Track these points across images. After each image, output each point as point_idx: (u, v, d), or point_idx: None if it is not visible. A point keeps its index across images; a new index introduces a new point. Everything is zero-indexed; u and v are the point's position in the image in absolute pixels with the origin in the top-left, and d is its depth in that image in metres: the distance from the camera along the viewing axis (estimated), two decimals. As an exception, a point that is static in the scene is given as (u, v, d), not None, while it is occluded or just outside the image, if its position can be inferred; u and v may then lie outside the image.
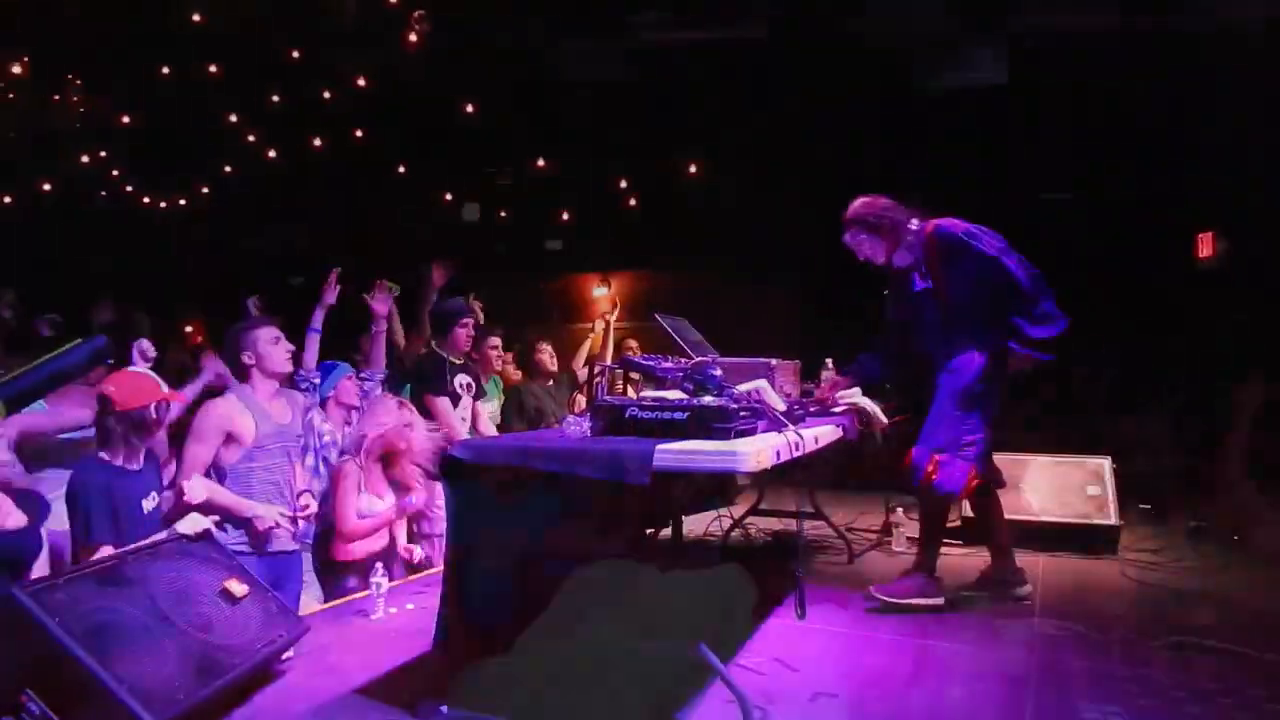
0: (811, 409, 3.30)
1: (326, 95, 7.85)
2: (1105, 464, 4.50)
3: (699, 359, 2.96)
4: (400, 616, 3.23)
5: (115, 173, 9.60)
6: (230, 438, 3.29)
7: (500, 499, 2.31)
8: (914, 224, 3.43)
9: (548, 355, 5.53)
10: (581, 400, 4.84)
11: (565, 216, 8.86)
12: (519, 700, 2.30)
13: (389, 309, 4.61)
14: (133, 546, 2.60)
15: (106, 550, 2.68)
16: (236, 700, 2.36)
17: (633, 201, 8.46)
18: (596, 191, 8.37)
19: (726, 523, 4.58)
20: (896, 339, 3.68)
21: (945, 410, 3.32)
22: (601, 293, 9.99)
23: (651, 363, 2.82)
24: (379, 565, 3.31)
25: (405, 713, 2.31)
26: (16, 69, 7.18)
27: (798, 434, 2.44)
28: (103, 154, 9.22)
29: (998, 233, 3.34)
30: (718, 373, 2.42)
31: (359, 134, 8.27)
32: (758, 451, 2.06)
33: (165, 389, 2.88)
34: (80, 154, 8.99)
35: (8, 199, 9.84)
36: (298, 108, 7.96)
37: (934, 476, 3.27)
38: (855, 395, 3.58)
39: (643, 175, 8.23)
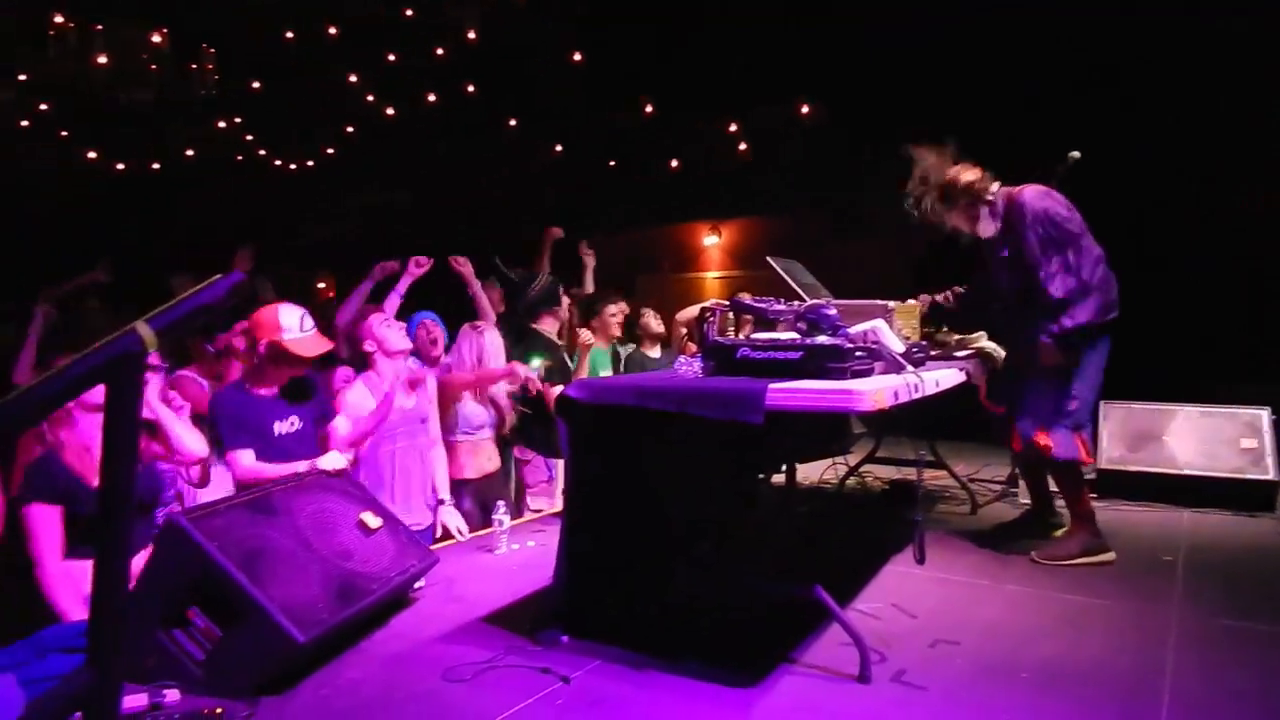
0: (934, 352, 3.18)
1: (440, 51, 8.01)
2: (1264, 415, 4.15)
3: (813, 301, 2.90)
4: (522, 553, 3.36)
5: (248, 137, 10.15)
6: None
7: (615, 438, 2.34)
8: (994, 191, 3.26)
9: (653, 319, 5.48)
10: (692, 347, 4.84)
11: (674, 164, 8.76)
12: (635, 631, 2.37)
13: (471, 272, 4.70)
14: (278, 474, 2.80)
15: (245, 453, 2.91)
16: (376, 623, 2.53)
17: (742, 146, 8.28)
18: (706, 138, 8.21)
19: (842, 470, 4.53)
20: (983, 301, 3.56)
21: (1040, 381, 3.20)
22: (713, 241, 9.90)
23: (763, 304, 2.78)
24: (501, 503, 3.44)
25: (527, 640, 2.42)
26: (156, 38, 7.62)
27: (917, 376, 2.36)
28: (237, 119, 9.75)
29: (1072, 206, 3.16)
30: (832, 312, 2.36)
31: (470, 89, 8.42)
32: (875, 392, 2.00)
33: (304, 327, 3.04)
34: (216, 120, 9.53)
35: (155, 165, 10.59)
36: (412, 65, 8.16)
37: (1048, 448, 3.17)
38: (980, 339, 3.43)
39: (753, 120, 8.02)
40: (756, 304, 2.71)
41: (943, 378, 2.69)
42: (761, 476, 3.53)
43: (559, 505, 4.17)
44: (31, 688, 1.96)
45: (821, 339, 2.26)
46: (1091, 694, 2.11)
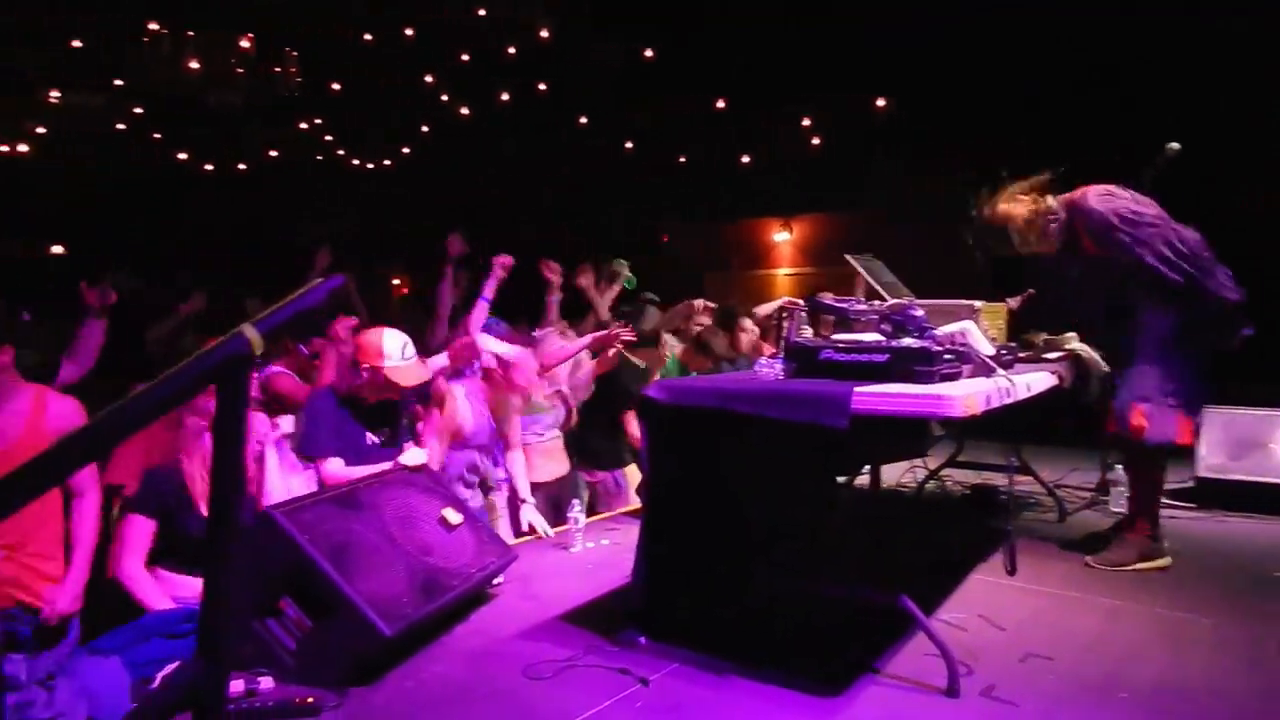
0: (1023, 354, 3.07)
1: (512, 50, 8.10)
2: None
3: (896, 300, 2.82)
4: (596, 551, 3.37)
5: (328, 137, 10.45)
6: (456, 434, 3.48)
7: (695, 440, 2.32)
8: (1054, 205, 3.15)
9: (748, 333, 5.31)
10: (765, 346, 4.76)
11: (745, 159, 8.67)
12: (713, 634, 2.35)
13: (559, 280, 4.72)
14: (364, 474, 2.86)
15: (335, 461, 2.99)
16: (457, 618, 2.56)
17: (815, 141, 8.14)
18: (778, 132, 8.10)
19: (920, 473, 4.42)
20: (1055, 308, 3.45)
21: (1142, 362, 3.07)
22: (784, 237, 9.78)
23: (845, 304, 2.72)
24: (575, 502, 3.46)
25: (605, 639, 2.42)
26: (244, 43, 7.89)
27: (1009, 380, 2.27)
28: (317, 120, 10.05)
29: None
30: (919, 313, 2.29)
31: (542, 87, 8.49)
32: (967, 396, 1.94)
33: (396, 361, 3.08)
34: (298, 121, 9.84)
35: (241, 165, 10.99)
36: (485, 64, 8.27)
37: (1142, 427, 3.02)
38: (1072, 340, 3.30)
39: (828, 114, 7.88)
40: (838, 304, 2.65)
41: (1034, 381, 2.59)
42: (841, 479, 3.46)
43: (633, 503, 4.18)
44: (136, 670, 2.05)
45: (908, 341, 2.20)
46: (1199, 719, 2.00)
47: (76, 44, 7.66)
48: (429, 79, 8.57)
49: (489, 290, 4.09)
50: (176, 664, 2.14)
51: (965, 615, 2.62)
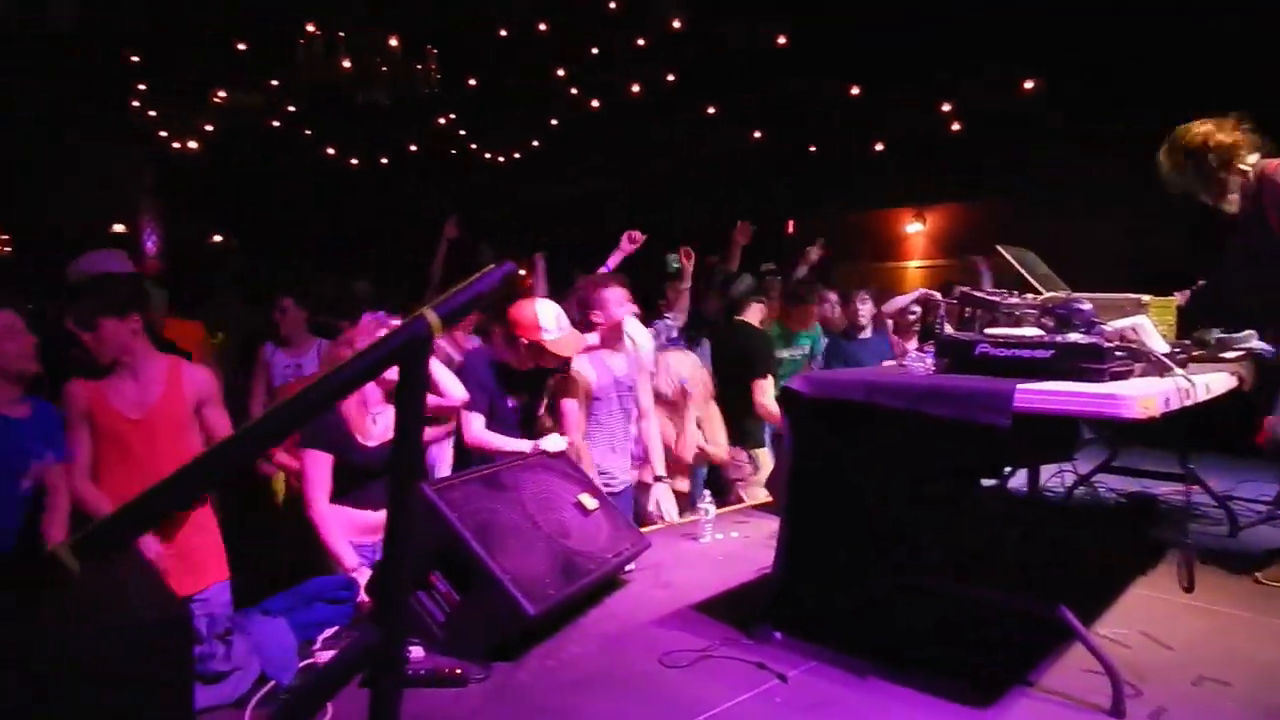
0: (1196, 353, 2.84)
1: (641, 42, 8.13)
2: None
3: (1054, 294, 2.66)
4: (726, 543, 3.35)
5: (462, 132, 10.81)
6: (585, 393, 3.56)
7: (840, 434, 2.27)
8: (1251, 162, 2.80)
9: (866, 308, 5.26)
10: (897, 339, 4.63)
11: (879, 147, 8.38)
12: (853, 634, 2.29)
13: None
14: (500, 447, 2.98)
15: (478, 417, 3.15)
16: (592, 602, 2.61)
17: (955, 127, 7.77)
18: (915, 118, 7.78)
19: (1068, 478, 4.16)
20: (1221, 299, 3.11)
21: None
22: (916, 228, 9.44)
23: (999, 296, 2.58)
24: (706, 493, 3.46)
25: (739, 632, 2.40)
26: (393, 42, 8.26)
27: (1188, 380, 2.10)
28: (452, 115, 10.41)
29: None
30: (1087, 306, 2.15)
31: (670, 78, 8.49)
32: (1144, 397, 1.80)
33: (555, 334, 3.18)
34: (436, 117, 10.22)
35: (384, 160, 11.53)
36: (614, 57, 8.35)
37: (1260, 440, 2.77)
38: (1250, 339, 3.02)
39: (970, 97, 7.50)
40: (991, 296, 2.53)
41: (1213, 382, 2.39)
42: (991, 481, 3.31)
43: (763, 496, 4.14)
44: (300, 631, 2.19)
45: (1074, 336, 2.07)
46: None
47: (241, 46, 8.22)
48: (560, 72, 8.72)
49: (613, 261, 4.32)
50: (336, 628, 2.29)
51: (1127, 631, 2.45)
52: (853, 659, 2.20)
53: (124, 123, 10.30)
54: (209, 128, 10.56)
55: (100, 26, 8.03)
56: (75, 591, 1.17)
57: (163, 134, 10.72)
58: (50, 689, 1.15)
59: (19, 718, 1.11)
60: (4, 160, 10.08)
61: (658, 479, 3.62)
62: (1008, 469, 3.36)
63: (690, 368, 4.02)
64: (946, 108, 7.67)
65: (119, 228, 11.97)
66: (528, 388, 3.30)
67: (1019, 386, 1.88)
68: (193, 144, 10.89)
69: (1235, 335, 3.16)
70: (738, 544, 3.34)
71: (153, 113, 10.17)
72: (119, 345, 2.82)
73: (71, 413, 2.79)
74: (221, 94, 9.90)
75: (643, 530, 3.38)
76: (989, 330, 2.43)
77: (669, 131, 9.23)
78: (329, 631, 2.23)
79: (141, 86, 9.59)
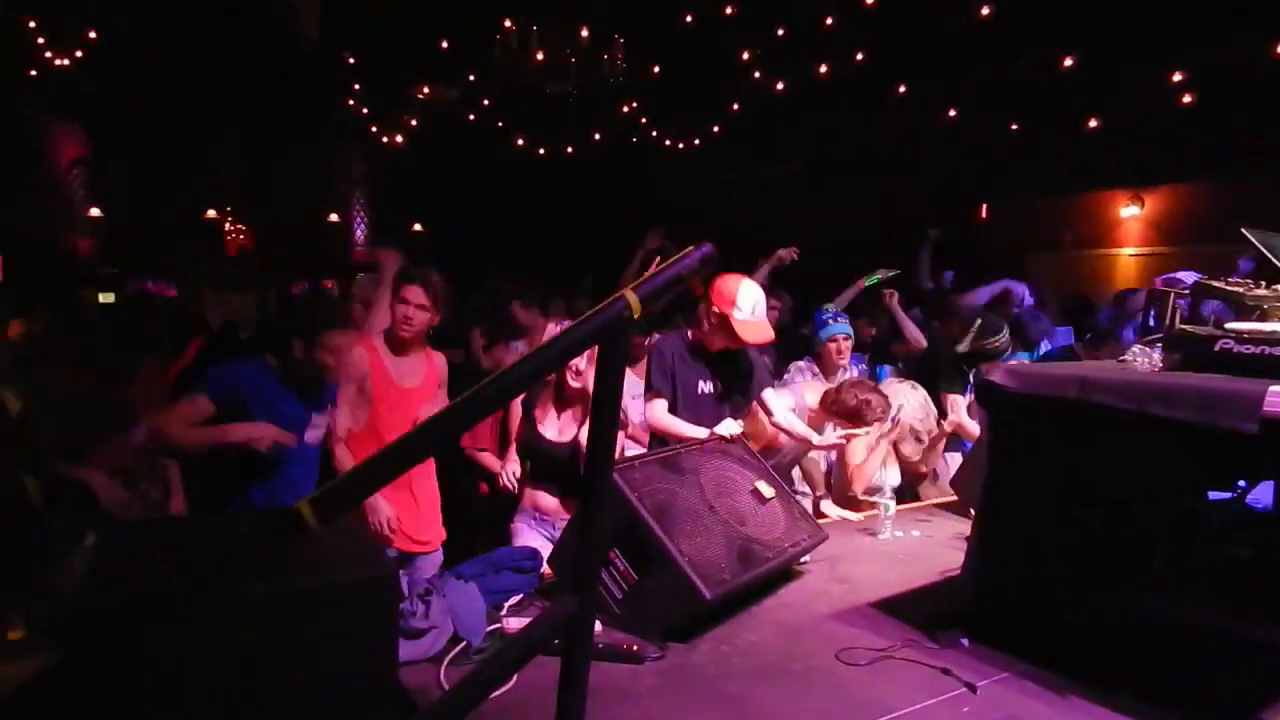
0: None
1: (828, 21, 7.88)
2: None
3: (1313, 284, 2.33)
4: (905, 541, 3.21)
5: (644, 120, 10.97)
6: None
7: (1045, 433, 2.10)
8: None
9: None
10: None
11: (1093, 124, 7.66)
12: (1048, 648, 2.12)
13: None
14: (679, 432, 3.02)
15: (659, 402, 3.23)
16: (766, 591, 2.58)
17: (1187, 99, 6.95)
18: (1140, 90, 7.03)
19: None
20: None
21: None
22: (1132, 212, 8.57)
23: (1240, 286, 2.29)
24: (887, 488, 3.33)
25: (922, 634, 2.29)
26: (583, 33, 8.51)
27: None
28: (634, 104, 10.58)
29: None
30: (1361, 300, 1.86)
31: (859, 57, 8.18)
32: None
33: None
34: (620, 106, 10.43)
35: (569, 149, 11.93)
36: (801, 38, 8.15)
37: None
38: None
39: (1206, 64, 6.68)
40: (1232, 286, 2.24)
41: None
42: (1225, 495, 2.97)
43: (948, 495, 3.93)
44: (490, 597, 2.31)
45: (1344, 334, 1.80)
46: None
47: (444, 44, 8.76)
48: (744, 55, 8.63)
49: (761, 275, 4.32)
50: (520, 595, 2.40)
51: (1389, 675, 2.12)
52: (1052, 675, 2.04)
53: (339, 120, 11.29)
54: (413, 123, 11.35)
55: (334, 39, 8.85)
56: (303, 547, 1.29)
57: (373, 129, 11.65)
58: (276, 638, 1.27)
59: (244, 665, 1.23)
60: (251, 160, 11.35)
61: (820, 497, 3.57)
62: (1244, 482, 2.99)
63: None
64: (1178, 78, 6.85)
65: (334, 218, 13.17)
66: (722, 376, 3.32)
67: (1273, 388, 1.66)
68: (399, 138, 11.75)
69: None
70: (919, 542, 3.19)
71: (365, 110, 11.07)
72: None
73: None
74: (425, 90, 10.61)
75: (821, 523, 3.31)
76: (1230, 325, 2.17)
77: (857, 113, 8.91)
78: (514, 599, 2.34)
79: (355, 86, 10.46)
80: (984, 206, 9.82)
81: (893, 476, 3.79)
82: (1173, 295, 2.43)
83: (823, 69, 8.25)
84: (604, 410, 1.18)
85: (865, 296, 5.37)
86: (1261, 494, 2.99)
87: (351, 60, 9.77)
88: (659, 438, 3.34)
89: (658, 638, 2.19)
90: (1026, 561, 2.18)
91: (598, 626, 2.23)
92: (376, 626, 1.39)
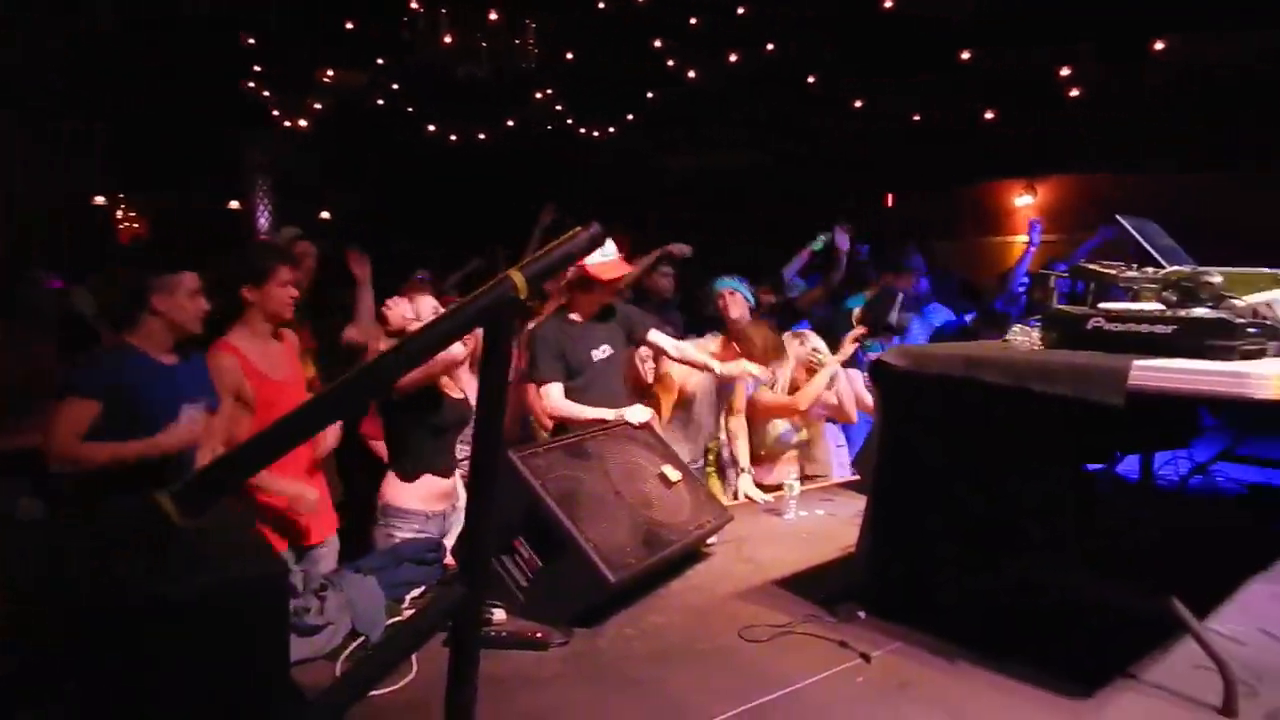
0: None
1: (740, 11, 7.95)
2: None
3: (1177, 267, 2.47)
4: (810, 520, 3.29)
5: (559, 107, 10.86)
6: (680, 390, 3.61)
7: (933, 411, 2.18)
8: None
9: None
10: None
11: (989, 115, 7.97)
12: (941, 618, 2.21)
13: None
14: (582, 416, 3.00)
15: (556, 387, 3.14)
16: (673, 573, 2.60)
17: (1074, 92, 7.30)
18: (1027, 83, 7.35)
19: (1183, 467, 3.91)
20: None
21: None
22: (1026, 201, 8.98)
23: (1114, 269, 2.42)
24: (793, 469, 3.40)
25: (822, 609, 2.35)
26: (493, 16, 8.36)
27: (1332, 361, 1.92)
28: (549, 90, 10.46)
29: None
30: (1217, 279, 1.99)
31: (770, 47, 8.28)
32: (1278, 376, 1.65)
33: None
34: (534, 91, 10.30)
35: (481, 135, 11.73)
36: (716, 27, 8.20)
37: None
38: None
39: (1092, 60, 7.03)
40: (1107, 268, 2.36)
41: (1361, 365, 2.17)
42: (1096, 466, 3.14)
43: (848, 474, 4.05)
44: (390, 590, 2.26)
45: (1200, 311, 1.91)
46: None
47: (349, 26, 8.47)
48: (657, 44, 8.62)
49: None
50: (423, 588, 2.35)
51: (1244, 628, 2.28)
52: (943, 643, 2.13)
53: (239, 103, 10.80)
54: (318, 107, 10.95)
55: (224, 12, 8.43)
56: (179, 543, 1.22)
57: (274, 113, 11.19)
58: (152, 642, 1.21)
59: (120, 671, 1.16)
60: (139, 144, 10.74)
61: (740, 471, 3.61)
62: (1119, 454, 3.16)
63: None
64: (1066, 72, 7.19)
65: (234, 205, 12.61)
66: (609, 338, 3.32)
67: (1136, 363, 1.75)
68: (302, 122, 11.32)
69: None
70: (823, 521, 3.28)
71: (266, 94, 10.62)
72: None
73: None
74: (330, 73, 10.25)
75: (727, 505, 3.36)
76: (1103, 305, 2.29)
77: (769, 102, 9.03)
78: (416, 591, 2.30)
79: (256, 68, 10.02)
80: (889, 195, 10.14)
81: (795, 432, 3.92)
82: (1052, 277, 2.55)
83: (733, 58, 8.33)
84: (491, 392, 1.16)
85: (817, 259, 5.52)
86: (1131, 465, 3.18)
87: (252, 41, 9.36)
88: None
89: (564, 624, 2.18)
90: (916, 537, 2.26)
91: (502, 614, 2.21)
92: (266, 626, 1.33)
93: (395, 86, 10.38)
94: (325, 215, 12.71)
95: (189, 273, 2.77)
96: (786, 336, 3.90)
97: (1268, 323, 1.96)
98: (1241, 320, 1.85)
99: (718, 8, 7.86)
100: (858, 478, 3.87)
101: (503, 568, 2.29)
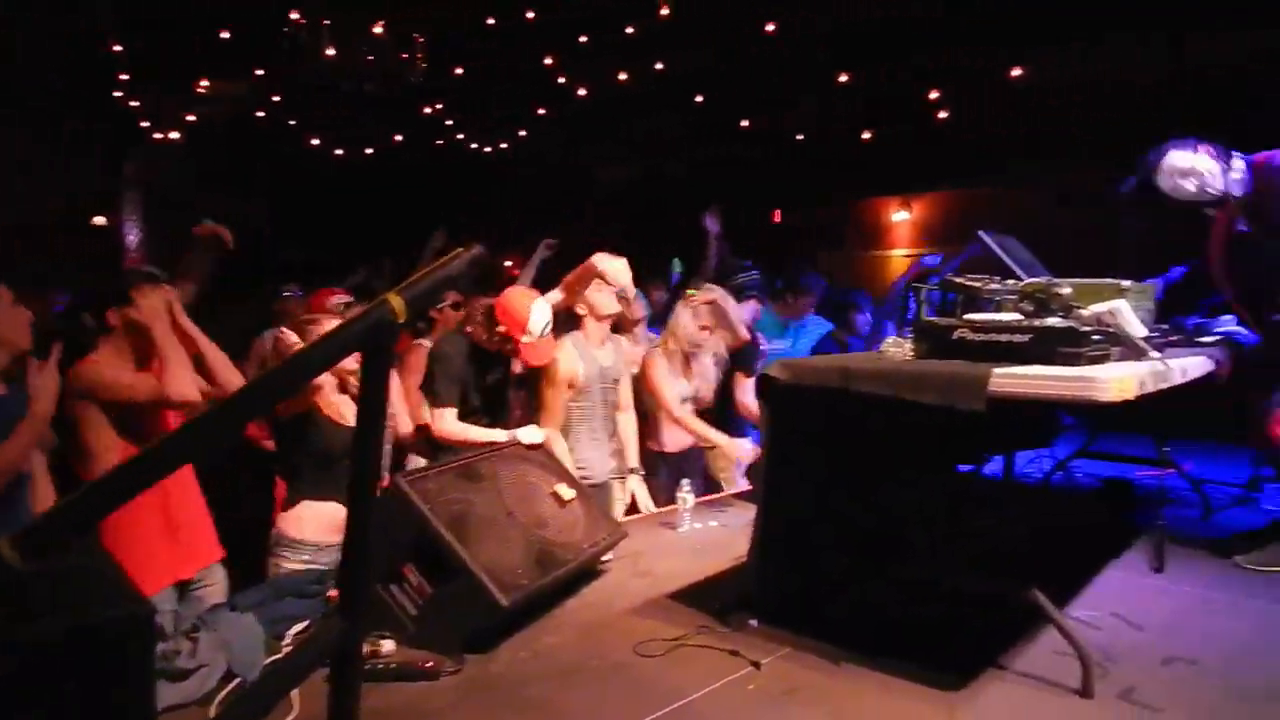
0: (1174, 337, 2.85)
1: (629, 30, 8.06)
2: None
3: (1034, 279, 2.66)
4: (705, 532, 3.35)
5: (449, 122, 10.71)
6: (570, 384, 3.53)
7: (815, 421, 2.26)
8: (1235, 163, 2.95)
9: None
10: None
11: (866, 136, 8.35)
12: (829, 622, 2.29)
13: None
14: (477, 439, 2.95)
15: (450, 411, 3.07)
16: (568, 592, 2.60)
17: (943, 115, 7.75)
18: (901, 104, 7.75)
19: (1047, 464, 4.18)
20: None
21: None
22: (902, 217, 9.43)
23: (978, 282, 2.58)
24: (685, 482, 3.45)
25: (716, 620, 2.39)
26: (377, 29, 8.17)
27: (1164, 364, 2.10)
28: (439, 105, 10.31)
29: None
30: (1066, 291, 2.15)
31: (659, 66, 8.42)
32: (1119, 380, 1.79)
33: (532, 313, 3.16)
34: (423, 106, 10.12)
35: (369, 150, 11.44)
36: (603, 45, 8.27)
37: (1275, 436, 2.89)
38: (1230, 324, 3.04)
39: (958, 82, 7.48)
40: (971, 281, 2.52)
41: (1189, 366, 2.39)
42: (967, 468, 3.32)
43: (742, 485, 4.13)
44: (270, 626, 2.17)
45: (1052, 320, 2.06)
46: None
47: (225, 35, 8.12)
48: (548, 61, 8.63)
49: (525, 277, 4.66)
50: (306, 623, 2.26)
51: (1100, 613, 2.46)
52: (828, 645, 2.20)
53: (107, 113, 10.18)
54: (191, 118, 10.44)
55: (85, 15, 7.94)
56: (24, 588, 1.14)
57: (144, 124, 10.60)
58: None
59: None
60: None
61: (632, 471, 3.63)
62: (988, 456, 3.36)
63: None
64: (934, 95, 7.63)
65: (99, 220, 11.84)
66: (501, 364, 3.28)
67: (996, 371, 1.87)
68: (175, 134, 10.77)
69: (1213, 321, 3.18)
70: (716, 532, 3.33)
71: (134, 103, 10.05)
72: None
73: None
74: (205, 84, 9.79)
75: (621, 520, 3.37)
76: (968, 316, 2.43)
77: (659, 121, 9.17)
78: (299, 626, 2.20)
79: (124, 76, 9.47)
80: (777, 212, 10.47)
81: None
82: (924, 290, 2.69)
83: (621, 76, 8.43)
84: (370, 417, 1.14)
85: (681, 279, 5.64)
86: (997, 465, 3.38)
87: (118, 48, 8.84)
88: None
89: (456, 651, 2.14)
90: (802, 546, 2.34)
91: (391, 645, 2.15)
92: (128, 672, 1.25)
93: (277, 98, 10.02)
94: (204, 228, 12.11)
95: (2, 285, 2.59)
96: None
97: (1110, 330, 2.13)
98: (1087, 328, 2.01)
99: (607, 26, 7.94)
100: (750, 488, 3.96)
101: (391, 597, 2.23)
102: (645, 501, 3.60)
